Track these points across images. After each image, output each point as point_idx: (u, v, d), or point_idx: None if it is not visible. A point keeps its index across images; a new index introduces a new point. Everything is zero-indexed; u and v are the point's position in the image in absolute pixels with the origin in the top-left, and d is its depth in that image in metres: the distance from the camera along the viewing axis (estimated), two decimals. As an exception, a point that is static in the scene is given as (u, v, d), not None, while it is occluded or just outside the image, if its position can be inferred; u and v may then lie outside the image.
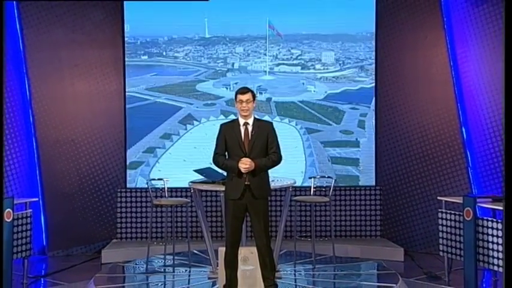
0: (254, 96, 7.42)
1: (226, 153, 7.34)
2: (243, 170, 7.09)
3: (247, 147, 7.23)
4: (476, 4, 10.99)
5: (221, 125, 7.56)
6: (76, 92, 11.51)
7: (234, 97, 7.47)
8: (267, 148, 7.29)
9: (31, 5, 11.16)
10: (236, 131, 7.31)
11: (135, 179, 11.32)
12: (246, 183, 7.15)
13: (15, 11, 11.13)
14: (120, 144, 11.55)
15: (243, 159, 7.11)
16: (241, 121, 7.35)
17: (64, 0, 11.18)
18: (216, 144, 7.43)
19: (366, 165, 11.49)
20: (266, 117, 10.71)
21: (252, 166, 7.09)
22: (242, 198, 7.19)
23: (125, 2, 11.35)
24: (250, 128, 7.31)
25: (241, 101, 7.30)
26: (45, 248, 11.32)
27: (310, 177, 10.09)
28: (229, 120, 7.78)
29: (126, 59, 11.48)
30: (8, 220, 9.08)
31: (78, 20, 11.41)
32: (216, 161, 7.40)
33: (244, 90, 7.38)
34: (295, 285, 8.23)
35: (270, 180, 7.53)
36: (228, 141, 7.30)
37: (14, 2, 11.08)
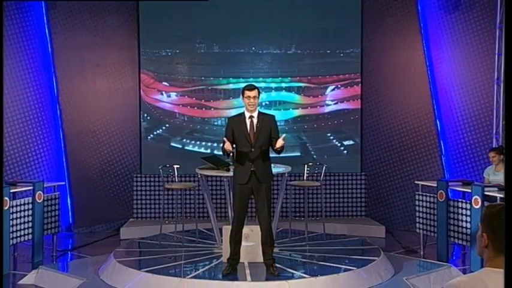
0: (259, 93, 7.46)
1: (234, 144, 7.37)
2: (227, 149, 7.19)
3: (252, 138, 7.29)
4: (449, 11, 11.04)
5: (229, 118, 7.67)
6: (97, 89, 11.57)
7: (241, 93, 7.51)
8: (270, 138, 7.34)
9: (58, 12, 11.20)
10: (242, 123, 7.36)
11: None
12: (251, 169, 7.23)
13: (45, 17, 11.20)
14: (135, 135, 11.60)
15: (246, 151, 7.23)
16: (247, 114, 7.38)
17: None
18: (225, 135, 7.46)
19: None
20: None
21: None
22: (248, 182, 7.27)
23: (140, 9, 11.36)
24: (255, 120, 7.35)
25: (249, 97, 7.31)
26: (71, 225, 11.40)
27: (303, 164, 10.16)
28: (236, 114, 7.85)
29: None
30: (39, 201, 9.24)
31: (99, 25, 11.46)
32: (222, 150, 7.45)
33: (251, 87, 7.39)
34: (291, 259, 8.25)
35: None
36: (235, 133, 7.34)
37: (43, 9, 11.20)
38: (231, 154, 7.43)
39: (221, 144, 7.42)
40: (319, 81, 11.56)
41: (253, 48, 11.59)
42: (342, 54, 11.55)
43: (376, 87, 11.67)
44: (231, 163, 7.96)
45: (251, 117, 7.38)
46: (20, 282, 8.21)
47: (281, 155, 7.54)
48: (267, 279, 7.33)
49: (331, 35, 11.53)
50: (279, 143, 7.14)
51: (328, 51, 11.54)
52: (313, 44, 11.55)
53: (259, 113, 7.47)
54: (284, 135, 7.28)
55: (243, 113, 7.46)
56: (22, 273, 8.51)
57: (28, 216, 9.10)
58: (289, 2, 11.52)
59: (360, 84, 11.54)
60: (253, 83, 7.75)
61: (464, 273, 7.80)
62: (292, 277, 7.36)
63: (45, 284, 8.01)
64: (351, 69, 11.54)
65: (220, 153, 7.87)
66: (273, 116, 7.64)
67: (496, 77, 10.54)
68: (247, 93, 7.35)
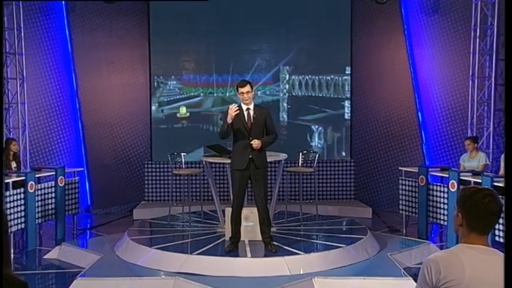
0: (252, 87, 7.36)
1: (232, 133, 7.30)
2: (254, 146, 7.12)
3: (250, 128, 7.23)
4: (430, 14, 11.05)
5: (227, 109, 7.54)
6: (112, 84, 11.59)
7: (235, 89, 7.46)
8: (264, 127, 7.30)
9: (78, 14, 11.24)
10: (240, 114, 7.23)
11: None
12: (249, 156, 7.17)
13: (65, 20, 11.24)
14: (146, 126, 11.60)
15: (254, 141, 7.13)
16: (244, 107, 7.28)
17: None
18: (223, 124, 7.39)
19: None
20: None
21: (259, 145, 7.15)
22: (247, 168, 7.22)
23: (150, 11, 11.36)
24: (251, 112, 7.28)
25: (243, 93, 7.22)
26: (89, 207, 11.48)
27: (298, 152, 10.12)
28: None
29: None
30: (61, 185, 9.31)
31: (113, 26, 11.46)
32: (220, 135, 7.36)
33: (243, 84, 7.30)
34: (287, 237, 8.20)
35: (268, 155, 7.59)
36: (233, 123, 7.22)
37: (64, 12, 11.22)
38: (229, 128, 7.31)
39: (224, 120, 7.32)
40: (313, 78, 11.56)
41: (253, 46, 11.60)
42: (333, 53, 11.53)
43: (364, 83, 11.66)
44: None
45: (248, 109, 7.30)
46: (45, 256, 8.32)
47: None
48: (265, 256, 7.35)
49: (324, 36, 11.50)
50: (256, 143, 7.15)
51: (321, 50, 11.53)
52: (308, 43, 11.55)
53: (255, 106, 7.41)
54: (256, 141, 7.17)
55: (240, 105, 7.35)
56: (47, 249, 8.62)
57: (51, 198, 9.19)
58: (286, 5, 11.47)
59: (349, 80, 11.54)
60: (246, 79, 7.71)
61: (442, 249, 7.79)
62: (288, 254, 7.36)
63: (67, 258, 8.10)
64: (341, 67, 11.53)
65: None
66: (267, 109, 7.60)
67: (471, 73, 10.57)
68: (240, 89, 7.27)
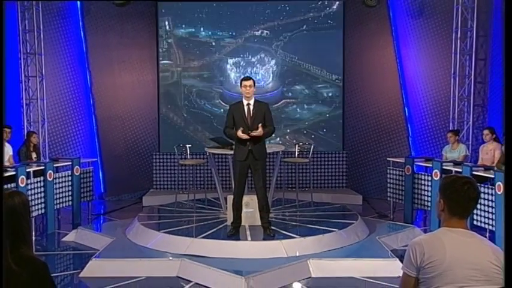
0: (254, 83, 7.37)
1: (234, 127, 7.31)
2: (240, 136, 7.14)
3: (249, 122, 7.24)
4: (415, 17, 11.05)
5: (230, 105, 7.57)
6: (123, 81, 11.59)
7: (239, 83, 7.47)
8: (264, 121, 7.27)
9: (92, 17, 11.24)
10: (241, 109, 7.28)
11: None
12: (249, 148, 7.20)
13: (80, 22, 11.24)
14: (155, 120, 11.62)
15: (246, 133, 7.16)
16: (245, 102, 7.29)
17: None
18: (226, 120, 7.44)
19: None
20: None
21: (260, 133, 7.15)
22: (247, 159, 7.24)
23: (158, 13, 11.36)
24: (251, 107, 7.28)
25: (246, 86, 7.23)
26: (103, 194, 11.50)
27: (295, 143, 10.13)
28: (236, 102, 7.80)
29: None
30: (77, 174, 9.35)
31: (124, 28, 11.46)
32: (225, 132, 7.43)
33: (247, 78, 7.33)
34: (284, 222, 8.24)
35: (267, 146, 7.60)
36: (235, 118, 7.27)
37: (79, 15, 11.23)
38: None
39: (228, 129, 7.37)
40: (308, 75, 11.57)
41: (254, 45, 11.54)
42: (327, 52, 11.50)
43: (355, 80, 11.65)
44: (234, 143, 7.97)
45: (248, 104, 7.30)
46: (63, 239, 8.38)
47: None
48: (264, 239, 7.37)
49: (319, 36, 11.48)
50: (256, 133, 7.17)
51: (316, 50, 11.50)
52: (304, 44, 11.52)
53: (255, 101, 7.39)
54: (260, 129, 7.19)
55: (241, 101, 7.37)
56: (64, 232, 8.68)
57: (68, 186, 9.23)
58: (285, 8, 11.43)
59: (342, 78, 11.54)
60: (250, 76, 7.72)
61: (425, 232, 7.84)
62: (285, 237, 7.39)
63: (83, 241, 8.16)
64: (334, 65, 11.53)
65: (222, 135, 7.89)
66: (267, 104, 7.57)
67: (452, 72, 10.62)
68: (243, 83, 7.28)
